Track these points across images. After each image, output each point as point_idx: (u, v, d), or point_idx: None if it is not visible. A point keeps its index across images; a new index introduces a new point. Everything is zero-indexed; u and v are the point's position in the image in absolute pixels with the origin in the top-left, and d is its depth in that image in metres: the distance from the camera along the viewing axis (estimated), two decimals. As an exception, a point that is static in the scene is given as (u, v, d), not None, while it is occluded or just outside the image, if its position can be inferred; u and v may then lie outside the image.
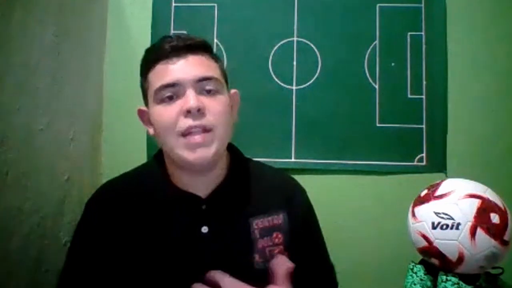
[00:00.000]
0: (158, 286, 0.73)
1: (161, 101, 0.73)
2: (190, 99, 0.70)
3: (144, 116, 0.80)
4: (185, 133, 0.71)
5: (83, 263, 0.77)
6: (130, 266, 0.74)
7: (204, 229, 0.75)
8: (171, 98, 0.72)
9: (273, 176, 0.86)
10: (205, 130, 0.71)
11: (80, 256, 0.78)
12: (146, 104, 0.78)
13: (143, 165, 0.87)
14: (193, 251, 0.74)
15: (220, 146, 0.74)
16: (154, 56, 0.75)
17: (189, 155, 0.71)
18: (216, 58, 0.79)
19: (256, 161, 0.88)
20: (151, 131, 0.78)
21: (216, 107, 0.73)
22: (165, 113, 0.72)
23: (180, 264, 0.73)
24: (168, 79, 0.72)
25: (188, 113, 0.70)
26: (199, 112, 0.71)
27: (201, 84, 0.73)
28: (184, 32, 1.38)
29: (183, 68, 0.72)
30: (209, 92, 0.73)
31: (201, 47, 0.76)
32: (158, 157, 0.82)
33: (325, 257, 0.87)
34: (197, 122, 0.70)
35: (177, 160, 0.74)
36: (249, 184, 0.81)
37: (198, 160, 0.72)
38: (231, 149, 0.83)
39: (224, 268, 0.69)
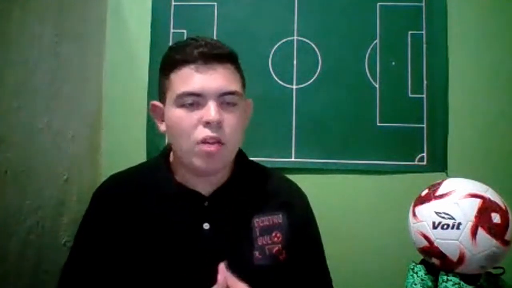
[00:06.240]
0: (160, 279, 0.75)
1: (182, 106, 0.74)
2: (212, 111, 0.72)
3: (157, 112, 0.80)
4: (201, 142, 0.73)
5: (88, 254, 0.79)
6: (132, 259, 0.76)
7: (206, 226, 0.77)
8: (191, 105, 0.74)
9: (275, 179, 0.88)
10: (220, 142, 0.74)
11: (86, 246, 0.80)
12: (160, 99, 0.79)
13: (150, 161, 0.90)
14: (194, 246, 0.76)
15: (230, 157, 0.79)
16: (180, 57, 0.75)
17: (201, 164, 0.74)
18: (240, 69, 0.80)
19: (260, 164, 0.90)
20: (162, 127, 0.80)
21: (233, 121, 0.75)
22: (185, 119, 0.73)
23: (181, 259, 0.75)
24: (193, 87, 0.73)
25: (207, 124, 0.73)
26: (218, 125, 0.73)
27: (223, 98, 0.74)
28: (184, 31, 1.38)
29: (209, 79, 0.73)
30: (228, 104, 0.75)
31: (229, 58, 0.77)
32: (164, 153, 0.84)
33: (323, 266, 0.88)
34: (214, 134, 0.73)
35: (187, 164, 0.77)
36: (251, 185, 0.83)
37: (209, 169, 0.76)
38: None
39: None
